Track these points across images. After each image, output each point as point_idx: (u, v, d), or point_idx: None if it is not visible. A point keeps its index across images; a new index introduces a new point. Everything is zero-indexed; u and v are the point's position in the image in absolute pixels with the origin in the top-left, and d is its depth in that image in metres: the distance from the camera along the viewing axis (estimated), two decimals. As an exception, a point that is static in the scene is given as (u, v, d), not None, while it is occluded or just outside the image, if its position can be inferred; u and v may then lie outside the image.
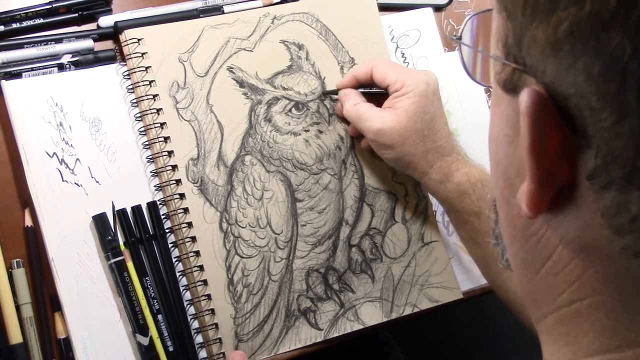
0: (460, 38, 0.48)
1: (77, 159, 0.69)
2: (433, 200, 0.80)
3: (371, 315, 0.76)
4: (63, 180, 0.68)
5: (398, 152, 0.71)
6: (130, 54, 0.72)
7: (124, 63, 0.72)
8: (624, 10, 0.26)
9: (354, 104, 0.73)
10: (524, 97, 0.31)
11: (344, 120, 0.77)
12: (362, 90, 0.75)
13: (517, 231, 0.37)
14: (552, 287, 0.35)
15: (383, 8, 0.83)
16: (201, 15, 0.75)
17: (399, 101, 0.71)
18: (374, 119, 0.71)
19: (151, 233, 0.70)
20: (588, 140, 0.30)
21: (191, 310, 0.71)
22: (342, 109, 0.75)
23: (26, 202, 0.68)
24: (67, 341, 0.67)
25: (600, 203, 0.31)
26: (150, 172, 0.72)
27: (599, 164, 0.30)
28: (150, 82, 0.71)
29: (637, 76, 0.27)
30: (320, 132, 0.77)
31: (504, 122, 0.35)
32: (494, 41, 0.35)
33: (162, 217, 0.71)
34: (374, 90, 0.75)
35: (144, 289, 0.69)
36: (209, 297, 0.71)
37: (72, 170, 0.69)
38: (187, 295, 0.71)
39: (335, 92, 0.77)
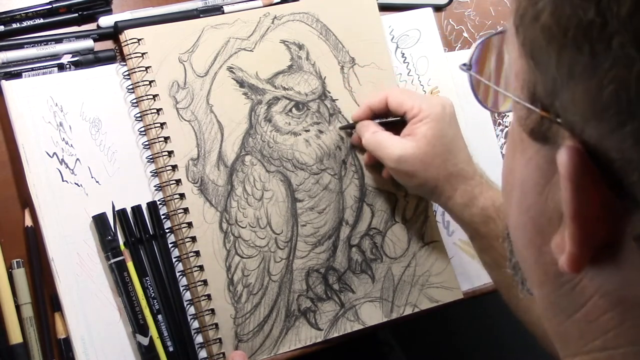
0: (470, 67, 0.45)
1: (77, 159, 0.69)
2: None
3: (371, 315, 0.76)
4: (63, 180, 0.68)
5: (421, 179, 0.70)
6: (130, 54, 0.72)
7: (124, 63, 0.72)
8: None
9: (373, 132, 0.73)
10: (564, 159, 0.29)
11: (361, 150, 0.77)
12: (379, 120, 0.75)
13: (549, 277, 0.35)
14: (585, 332, 0.34)
15: (383, 8, 0.83)
16: (201, 15, 0.75)
17: (417, 127, 0.70)
18: (394, 146, 0.70)
19: (151, 233, 0.70)
20: (636, 204, 0.28)
21: (191, 310, 0.71)
22: (358, 140, 0.75)
23: (26, 202, 0.68)
24: (67, 341, 0.67)
25: None
26: (150, 172, 0.72)
27: None
28: (150, 82, 0.71)
29: None
30: (321, 132, 0.77)
31: (533, 169, 0.33)
32: (516, 83, 0.32)
33: (162, 217, 0.71)
34: (390, 119, 0.74)
35: (144, 289, 0.69)
36: (209, 297, 0.71)
37: (72, 170, 0.69)
38: (187, 295, 0.71)
39: (352, 126, 0.77)
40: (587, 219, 0.29)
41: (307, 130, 0.76)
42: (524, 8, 0.29)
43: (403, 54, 0.84)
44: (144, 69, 0.71)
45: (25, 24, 0.72)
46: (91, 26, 0.74)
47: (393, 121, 0.74)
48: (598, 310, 0.33)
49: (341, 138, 0.77)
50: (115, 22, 0.73)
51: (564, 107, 0.28)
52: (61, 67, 0.71)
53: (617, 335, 0.33)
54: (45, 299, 0.68)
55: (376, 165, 0.76)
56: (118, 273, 0.68)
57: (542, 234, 0.34)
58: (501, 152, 0.88)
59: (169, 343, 0.69)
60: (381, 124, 0.74)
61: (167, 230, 0.71)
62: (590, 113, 0.27)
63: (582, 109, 0.27)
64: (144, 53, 0.72)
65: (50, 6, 0.72)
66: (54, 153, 0.69)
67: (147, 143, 0.71)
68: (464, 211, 0.71)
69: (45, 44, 0.71)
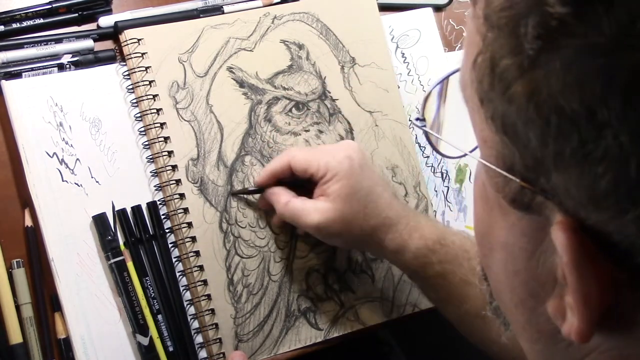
0: (424, 121, 0.41)
1: (77, 159, 0.69)
2: (434, 200, 0.80)
3: (371, 315, 0.76)
4: (63, 180, 0.68)
5: (346, 239, 0.68)
6: (130, 54, 0.72)
7: (124, 63, 0.72)
8: None
9: (285, 203, 0.68)
10: (563, 243, 0.26)
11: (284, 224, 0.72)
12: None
13: (543, 334, 0.34)
14: None
15: (383, 8, 0.83)
16: (201, 15, 0.75)
17: (328, 187, 0.67)
18: (310, 213, 0.67)
19: (151, 233, 0.70)
20: None
21: (191, 310, 0.71)
22: (265, 203, 0.71)
23: (26, 202, 0.68)
24: (67, 341, 0.67)
25: None
26: (150, 172, 0.72)
27: None
28: (150, 82, 0.71)
29: None
30: (321, 132, 0.77)
31: (518, 236, 0.31)
32: (486, 150, 0.29)
33: (162, 217, 0.71)
34: (298, 182, 0.70)
35: (144, 289, 0.69)
36: (209, 297, 0.71)
37: (72, 170, 0.69)
38: (187, 295, 0.71)
39: (249, 191, 0.72)
40: (594, 298, 0.28)
41: (307, 130, 0.76)
42: (489, 84, 0.26)
43: (403, 54, 0.84)
44: (143, 69, 0.71)
45: (25, 24, 0.71)
46: (91, 26, 0.74)
47: (300, 183, 0.70)
48: None
49: (341, 138, 0.77)
50: (115, 22, 0.73)
51: (554, 188, 0.26)
52: (61, 67, 0.71)
53: None
54: (45, 299, 0.68)
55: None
56: (118, 273, 0.68)
57: (536, 297, 0.32)
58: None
59: (169, 343, 0.69)
60: (291, 186, 0.70)
61: (167, 230, 0.71)
62: (586, 200, 0.25)
63: (576, 196, 0.25)
64: (143, 53, 0.72)
65: (50, 6, 0.72)
66: (54, 153, 0.69)
67: (147, 143, 0.71)
68: (396, 258, 0.68)
69: (45, 44, 0.71)
